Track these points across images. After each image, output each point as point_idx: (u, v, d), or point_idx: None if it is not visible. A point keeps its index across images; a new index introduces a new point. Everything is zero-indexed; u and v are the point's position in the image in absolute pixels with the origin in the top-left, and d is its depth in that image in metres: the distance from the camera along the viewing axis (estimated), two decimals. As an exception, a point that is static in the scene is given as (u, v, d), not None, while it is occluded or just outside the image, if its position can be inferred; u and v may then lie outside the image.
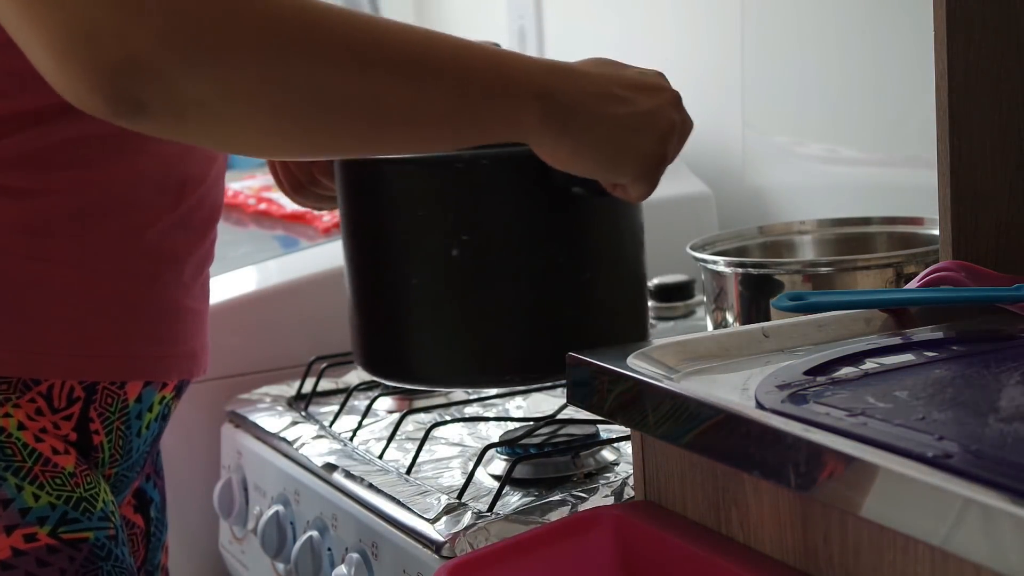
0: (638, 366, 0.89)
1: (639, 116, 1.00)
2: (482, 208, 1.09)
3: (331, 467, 1.27)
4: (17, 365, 1.03)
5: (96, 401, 1.07)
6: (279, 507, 1.34)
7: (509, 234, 1.10)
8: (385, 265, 1.13)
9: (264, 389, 1.53)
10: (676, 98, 1.03)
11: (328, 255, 1.67)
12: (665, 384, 0.85)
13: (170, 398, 1.14)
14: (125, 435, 1.10)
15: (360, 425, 1.35)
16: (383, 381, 1.19)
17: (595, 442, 1.21)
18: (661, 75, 1.04)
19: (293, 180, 1.26)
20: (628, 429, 1.07)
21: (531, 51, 2.15)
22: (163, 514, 1.25)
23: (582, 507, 1.09)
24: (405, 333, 1.14)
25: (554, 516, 1.07)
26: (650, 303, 1.50)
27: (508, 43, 2.19)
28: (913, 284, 1.04)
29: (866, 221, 1.43)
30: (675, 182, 1.67)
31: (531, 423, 1.25)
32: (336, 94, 0.86)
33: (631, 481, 1.12)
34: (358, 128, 0.89)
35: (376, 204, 1.13)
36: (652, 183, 1.03)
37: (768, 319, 0.98)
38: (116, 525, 1.07)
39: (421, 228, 1.10)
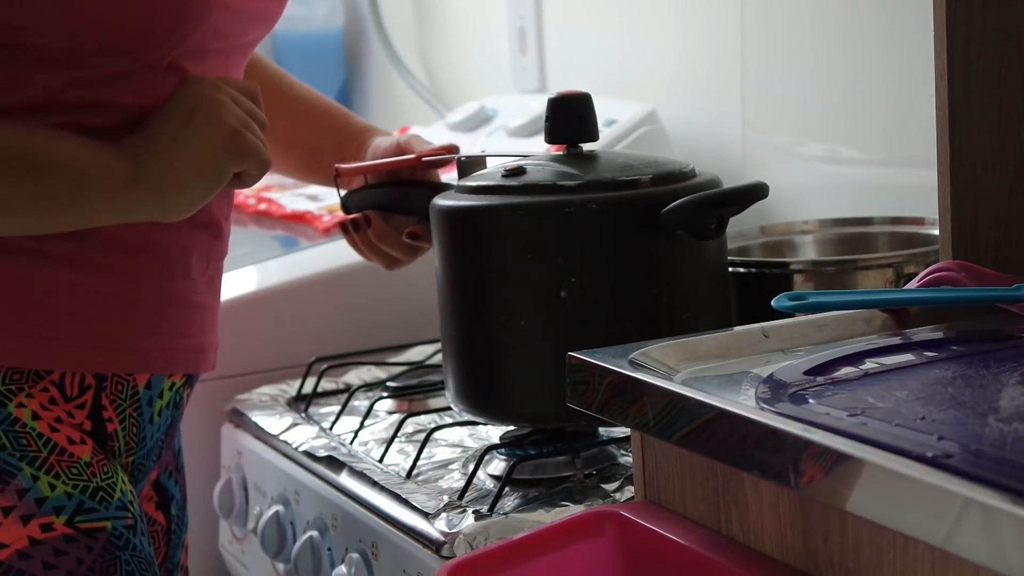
0: (638, 366, 0.89)
1: (184, 126, 1.04)
2: (589, 251, 1.11)
3: (332, 464, 1.27)
4: (28, 356, 1.05)
5: (107, 388, 1.09)
6: (279, 507, 1.34)
7: (615, 275, 1.12)
8: (492, 308, 1.14)
9: (264, 389, 1.53)
10: (209, 83, 1.06)
11: (328, 255, 1.66)
12: (665, 384, 0.85)
13: (180, 385, 1.16)
14: (138, 422, 1.12)
15: (361, 426, 1.35)
16: (482, 421, 1.21)
17: (595, 442, 1.21)
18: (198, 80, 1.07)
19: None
20: (628, 429, 1.07)
21: (531, 51, 2.15)
22: (184, 512, 1.26)
23: (582, 507, 1.09)
24: (513, 374, 1.15)
25: (554, 517, 1.07)
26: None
27: (508, 43, 2.19)
28: (913, 284, 1.04)
29: (867, 221, 1.43)
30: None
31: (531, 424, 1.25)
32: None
33: (631, 481, 1.12)
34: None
35: (484, 250, 1.14)
36: (241, 153, 1.06)
37: (768, 319, 0.98)
38: (135, 515, 1.08)
39: (530, 272, 1.12)
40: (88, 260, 1.07)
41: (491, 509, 1.10)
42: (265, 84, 1.26)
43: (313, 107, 1.38)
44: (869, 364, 0.90)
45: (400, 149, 1.30)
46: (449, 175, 1.30)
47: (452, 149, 1.29)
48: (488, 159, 1.27)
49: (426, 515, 1.11)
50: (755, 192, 1.12)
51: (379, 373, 1.54)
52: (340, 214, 1.72)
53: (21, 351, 1.05)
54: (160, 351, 1.12)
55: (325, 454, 1.30)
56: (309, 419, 1.42)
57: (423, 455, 1.24)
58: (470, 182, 1.18)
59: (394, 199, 1.29)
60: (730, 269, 1.26)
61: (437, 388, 1.41)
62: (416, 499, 1.14)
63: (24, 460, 1.03)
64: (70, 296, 1.06)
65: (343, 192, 1.34)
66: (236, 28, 1.12)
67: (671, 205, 1.09)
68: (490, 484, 1.18)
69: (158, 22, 1.03)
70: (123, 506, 1.07)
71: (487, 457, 1.20)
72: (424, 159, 1.28)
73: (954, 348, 0.96)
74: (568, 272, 1.11)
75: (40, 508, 1.03)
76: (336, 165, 1.33)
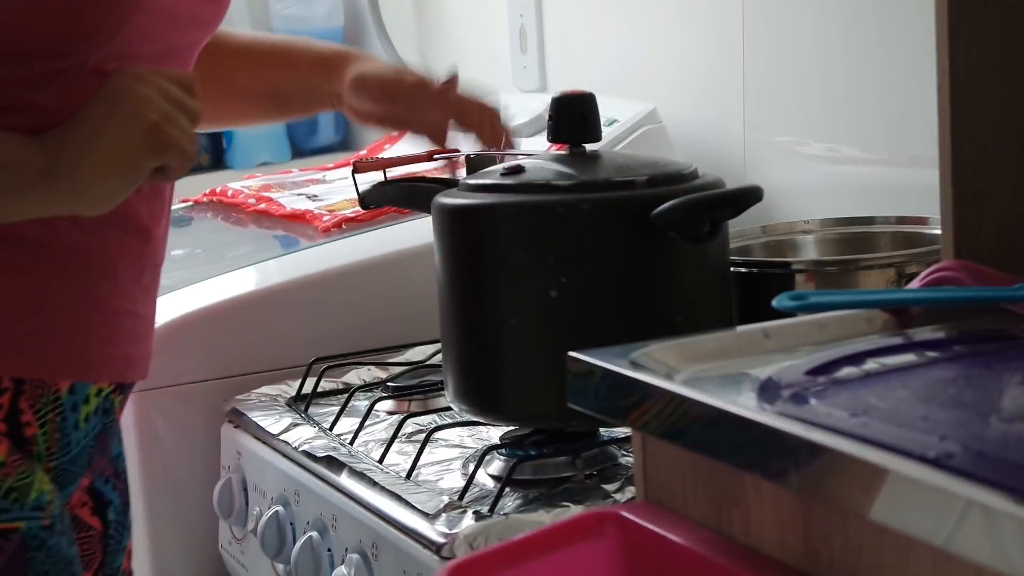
0: (639, 366, 0.89)
1: (104, 116, 1.02)
2: (581, 251, 1.11)
3: (332, 465, 1.27)
4: None
5: (25, 393, 1.07)
6: (279, 508, 1.34)
7: (606, 277, 1.12)
8: (484, 306, 1.15)
9: (264, 389, 1.53)
10: (134, 76, 1.03)
11: (328, 255, 1.66)
12: (666, 384, 0.84)
13: (108, 392, 1.14)
14: (61, 427, 1.10)
15: (361, 427, 1.35)
16: (481, 420, 1.21)
17: (596, 443, 1.20)
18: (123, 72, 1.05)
19: None
20: (629, 429, 1.07)
21: (531, 51, 2.15)
22: (124, 517, 1.23)
23: (583, 508, 1.09)
24: (502, 372, 1.15)
25: (554, 517, 1.07)
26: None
27: (508, 42, 2.19)
28: (915, 284, 1.03)
29: (869, 220, 1.43)
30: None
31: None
32: None
33: (632, 482, 1.12)
34: None
35: (477, 247, 1.15)
36: (165, 154, 1.03)
37: (770, 319, 0.98)
38: (53, 515, 1.07)
39: (521, 270, 1.12)
40: (3, 263, 1.06)
41: (491, 510, 1.10)
42: (212, 46, 1.23)
43: (269, 51, 1.37)
44: (871, 364, 0.90)
45: (384, 91, 1.28)
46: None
47: (451, 80, 1.26)
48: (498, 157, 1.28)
49: (426, 516, 1.10)
50: (748, 196, 1.12)
51: (379, 373, 1.54)
52: (339, 214, 1.73)
53: None
54: (81, 357, 1.11)
55: (325, 454, 1.29)
56: (309, 419, 1.42)
57: (423, 455, 1.24)
58: (471, 180, 1.18)
59: (411, 194, 1.29)
60: (731, 269, 1.26)
61: (437, 388, 1.41)
62: (416, 500, 1.13)
63: None
64: None
65: (362, 188, 1.34)
66: (165, 32, 1.10)
67: (662, 207, 1.09)
68: (490, 485, 1.17)
69: (78, 23, 1.02)
70: (39, 507, 1.06)
71: (487, 457, 1.20)
72: (435, 156, 1.29)
73: (956, 348, 0.95)
74: (559, 272, 1.11)
75: None
76: (353, 161, 1.34)
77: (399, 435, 1.30)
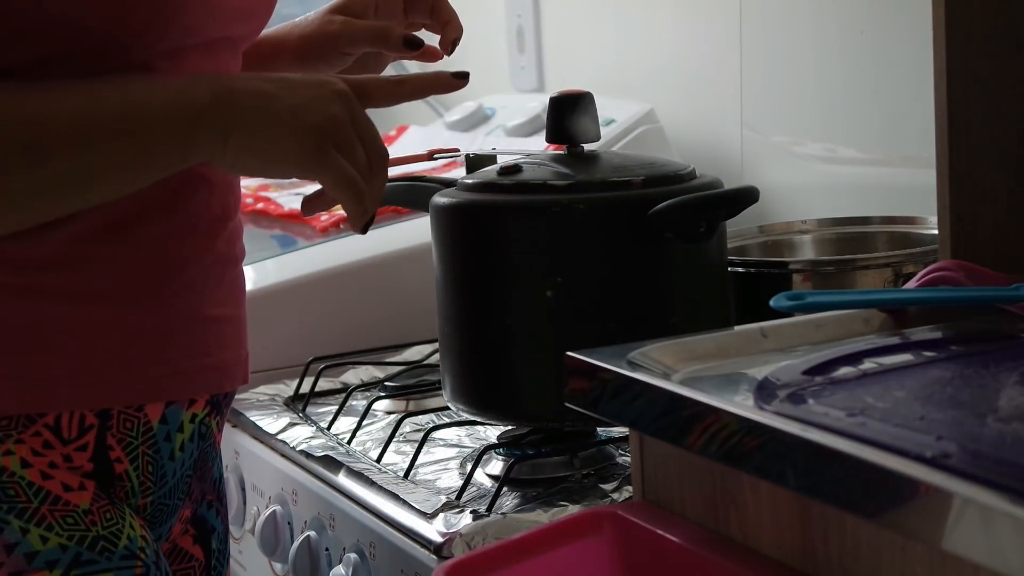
0: (636, 366, 0.89)
1: (291, 109, 0.96)
2: (577, 251, 1.11)
3: (330, 464, 1.27)
4: (16, 401, 0.97)
5: (112, 427, 1.00)
6: (277, 507, 1.34)
7: (603, 277, 1.12)
8: (482, 306, 1.15)
9: (262, 388, 1.53)
10: (339, 92, 0.97)
11: (326, 255, 1.66)
12: (663, 384, 0.85)
13: (203, 415, 1.06)
14: (155, 460, 1.03)
15: (359, 426, 1.35)
16: (477, 419, 1.21)
17: (593, 442, 1.21)
18: (334, 77, 1.00)
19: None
20: (627, 429, 1.07)
21: (529, 51, 2.15)
22: (225, 545, 1.18)
23: (580, 507, 1.09)
24: (499, 372, 1.16)
25: (552, 516, 1.07)
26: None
27: (506, 42, 2.19)
28: (912, 284, 1.03)
29: (866, 221, 1.43)
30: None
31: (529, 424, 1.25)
32: (27, 189, 0.93)
33: (629, 481, 1.12)
34: (60, 204, 0.96)
35: (474, 246, 1.15)
36: (321, 174, 0.97)
37: (767, 319, 0.98)
38: (147, 561, 1.00)
39: (516, 270, 1.13)
40: (77, 291, 0.99)
41: (489, 509, 1.10)
42: None
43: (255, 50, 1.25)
44: (868, 364, 0.90)
45: (327, 34, 1.21)
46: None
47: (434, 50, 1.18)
48: (499, 156, 1.28)
49: (424, 515, 1.11)
50: (744, 196, 1.12)
51: (377, 373, 1.54)
52: (337, 214, 1.73)
53: (7, 396, 0.97)
54: (168, 376, 1.03)
55: (323, 454, 1.29)
56: (307, 419, 1.42)
57: (421, 455, 1.24)
58: (468, 179, 1.19)
59: (411, 194, 1.29)
60: (729, 269, 1.26)
61: (435, 388, 1.41)
62: (414, 499, 1.13)
63: (12, 512, 0.95)
64: (61, 332, 0.98)
65: None
66: (211, 23, 1.04)
67: (657, 207, 1.09)
68: (488, 484, 1.18)
69: (127, 23, 0.97)
70: (130, 554, 0.99)
71: (485, 457, 1.20)
72: (435, 156, 1.28)
73: (953, 348, 0.95)
74: (554, 272, 1.11)
75: (31, 563, 0.95)
76: None
77: (397, 434, 1.30)
